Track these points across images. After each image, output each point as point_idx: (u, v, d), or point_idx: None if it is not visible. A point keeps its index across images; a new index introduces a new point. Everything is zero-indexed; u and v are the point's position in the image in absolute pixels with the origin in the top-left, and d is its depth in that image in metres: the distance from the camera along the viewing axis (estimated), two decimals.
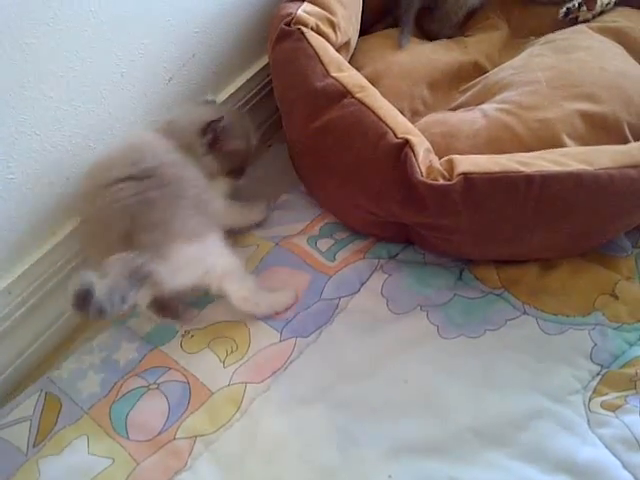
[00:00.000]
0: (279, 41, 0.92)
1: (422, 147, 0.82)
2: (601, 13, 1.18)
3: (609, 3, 1.17)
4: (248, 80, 1.09)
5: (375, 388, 0.78)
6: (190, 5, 0.92)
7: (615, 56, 1.05)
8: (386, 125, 0.82)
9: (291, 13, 0.92)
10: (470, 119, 0.97)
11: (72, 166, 0.83)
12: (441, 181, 0.77)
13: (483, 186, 0.75)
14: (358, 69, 1.05)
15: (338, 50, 1.00)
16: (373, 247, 0.94)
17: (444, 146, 0.93)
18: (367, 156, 0.82)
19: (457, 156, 0.81)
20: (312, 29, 0.93)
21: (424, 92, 1.07)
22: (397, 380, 0.78)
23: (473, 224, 0.79)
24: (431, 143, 0.91)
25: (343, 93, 0.86)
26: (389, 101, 0.98)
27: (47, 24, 0.71)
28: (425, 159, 0.81)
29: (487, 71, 1.11)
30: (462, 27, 1.22)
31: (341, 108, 0.85)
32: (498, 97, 1.01)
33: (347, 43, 1.04)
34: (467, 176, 0.76)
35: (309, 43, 0.90)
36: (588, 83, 0.98)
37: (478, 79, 1.09)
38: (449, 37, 1.19)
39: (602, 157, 0.78)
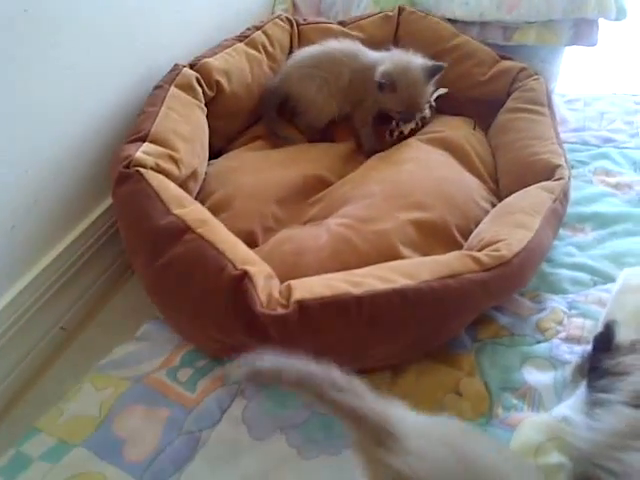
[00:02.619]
0: (119, 184, 0.94)
1: (262, 275, 0.86)
2: (424, 124, 1.31)
3: (425, 117, 1.30)
4: (100, 215, 1.10)
5: None
6: (30, 148, 0.93)
7: (439, 164, 1.17)
8: (225, 258, 0.86)
9: (129, 155, 0.96)
10: (315, 235, 1.03)
11: None
12: (279, 310, 0.80)
13: (317, 311, 0.80)
14: (210, 194, 1.11)
15: (184, 182, 1.04)
16: None
17: (292, 263, 0.98)
18: (209, 290, 0.85)
19: (294, 282, 0.85)
20: (152, 169, 0.96)
21: (274, 209, 1.12)
22: None
23: (314, 347, 0.81)
24: (281, 261, 0.96)
25: (184, 229, 0.89)
26: (241, 222, 1.05)
27: None
28: (265, 287, 0.84)
29: (332, 183, 1.20)
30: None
31: (182, 245, 0.88)
32: (340, 211, 1.09)
33: (194, 173, 1.09)
34: (301, 303, 0.80)
35: (148, 183, 0.93)
36: (416, 192, 1.08)
37: (323, 192, 1.17)
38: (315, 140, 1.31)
39: (423, 270, 0.85)
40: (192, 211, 0.93)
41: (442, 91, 1.34)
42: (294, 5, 1.63)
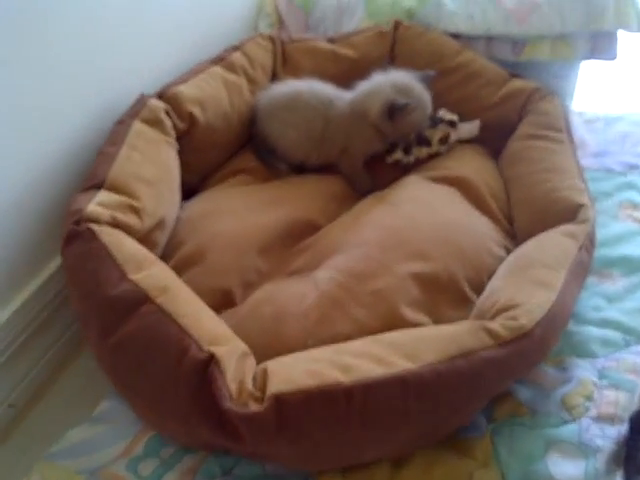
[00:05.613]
0: (69, 243, 0.80)
1: (233, 357, 0.71)
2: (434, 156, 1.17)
3: (439, 153, 1.16)
4: (50, 276, 0.96)
5: None
6: None
7: (444, 204, 1.03)
8: (189, 336, 0.71)
9: (80, 209, 0.82)
10: (301, 294, 0.90)
11: None
12: (252, 406, 0.66)
13: (298, 407, 0.65)
14: (180, 244, 0.98)
15: (148, 234, 0.91)
16: (204, 464, 0.80)
17: (274, 331, 0.85)
18: (169, 376, 0.70)
19: (272, 365, 0.71)
20: (107, 224, 0.83)
21: (256, 261, 0.98)
22: None
23: (294, 449, 0.68)
24: (260, 328, 0.85)
25: (141, 299, 0.75)
26: (215, 279, 0.93)
27: None
28: (237, 373, 0.70)
29: (322, 227, 1.06)
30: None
31: (139, 319, 0.74)
32: (330, 262, 0.95)
33: (160, 223, 0.94)
34: (279, 398, 0.65)
35: (101, 243, 0.79)
36: (418, 239, 0.94)
37: (312, 238, 1.03)
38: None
39: (427, 349, 0.70)
40: (152, 275, 0.78)
41: (471, 134, 1.18)
42: (280, 19, 1.48)
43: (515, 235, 1.04)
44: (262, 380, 0.69)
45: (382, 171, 1.17)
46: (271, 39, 1.28)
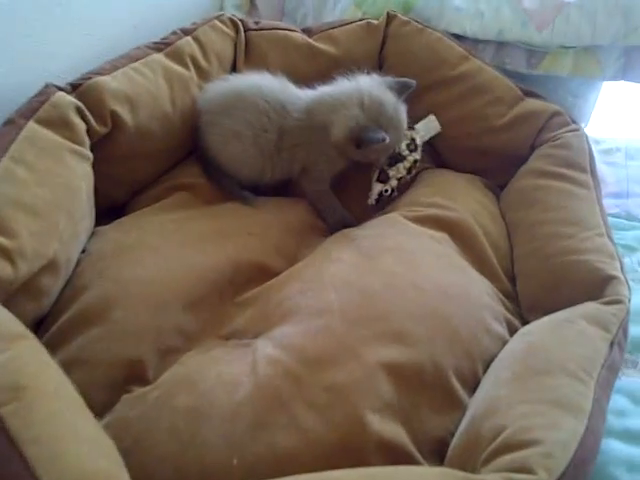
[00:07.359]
0: None
1: None
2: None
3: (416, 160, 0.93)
4: None
5: None
6: None
7: (433, 258, 0.81)
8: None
9: None
10: (232, 379, 0.67)
11: None
12: None
13: None
14: (81, 291, 0.76)
15: (28, 284, 0.67)
16: None
17: (187, 437, 0.63)
18: None
19: None
20: None
21: (181, 318, 0.75)
22: None
23: None
24: (170, 430, 0.62)
25: None
26: (122, 345, 0.74)
27: None
28: None
29: (275, 272, 0.82)
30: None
31: None
32: (278, 330, 0.73)
33: (51, 264, 0.70)
34: None
35: None
36: (396, 312, 0.72)
37: (260, 288, 0.80)
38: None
39: None
40: (7, 362, 0.53)
41: (434, 131, 0.96)
42: (251, 1, 1.22)
43: (516, 297, 0.82)
44: None
45: (357, 199, 0.95)
46: (233, 23, 1.02)
